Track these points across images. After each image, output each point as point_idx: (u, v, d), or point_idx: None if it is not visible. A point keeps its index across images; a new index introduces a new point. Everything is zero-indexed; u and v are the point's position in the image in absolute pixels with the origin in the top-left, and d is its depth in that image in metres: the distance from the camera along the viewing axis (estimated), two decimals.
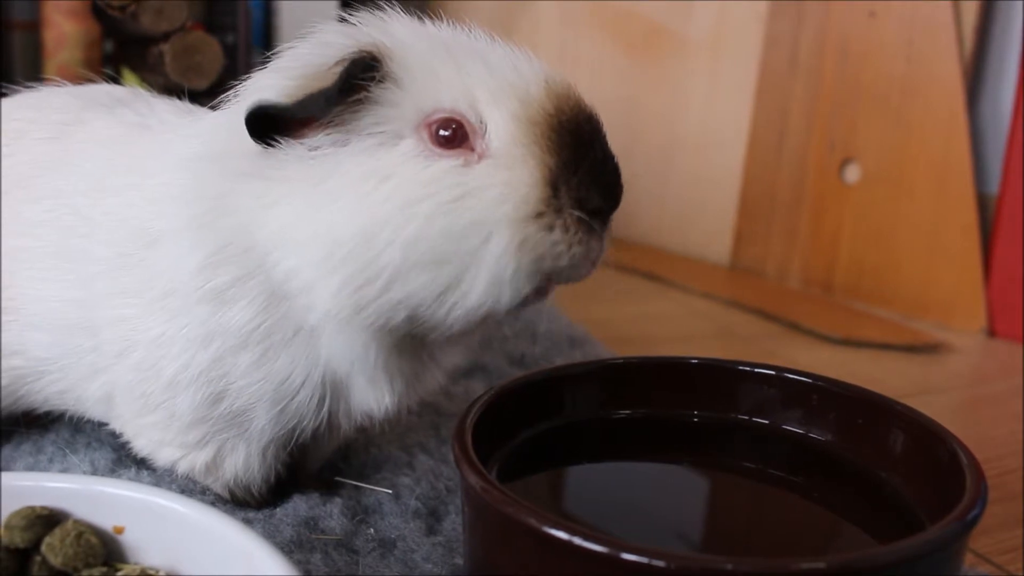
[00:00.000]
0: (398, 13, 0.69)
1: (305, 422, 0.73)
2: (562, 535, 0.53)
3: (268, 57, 0.70)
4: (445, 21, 0.70)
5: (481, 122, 0.64)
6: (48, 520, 0.60)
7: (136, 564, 0.61)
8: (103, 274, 0.74)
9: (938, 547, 0.54)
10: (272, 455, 0.77)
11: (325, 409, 0.73)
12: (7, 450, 0.87)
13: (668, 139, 1.89)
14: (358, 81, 0.64)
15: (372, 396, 0.73)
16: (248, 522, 0.73)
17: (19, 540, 0.59)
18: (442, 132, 0.64)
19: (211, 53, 1.36)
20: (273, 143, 0.66)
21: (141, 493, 0.62)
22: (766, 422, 0.76)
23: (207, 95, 1.33)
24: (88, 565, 0.59)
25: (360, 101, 0.64)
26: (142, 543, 0.61)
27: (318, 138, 0.65)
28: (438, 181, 0.63)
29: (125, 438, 0.80)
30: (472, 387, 1.07)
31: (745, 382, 0.76)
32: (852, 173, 1.65)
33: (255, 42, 1.75)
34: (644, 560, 0.51)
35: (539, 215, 0.62)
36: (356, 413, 0.75)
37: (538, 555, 0.55)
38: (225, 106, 0.72)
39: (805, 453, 0.74)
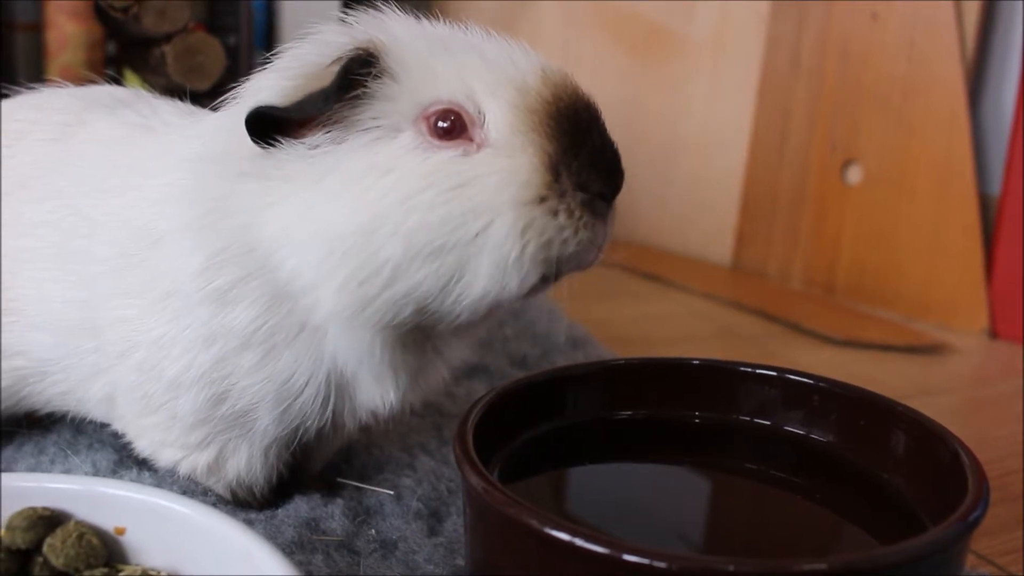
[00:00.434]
0: (395, 12, 0.69)
1: (309, 422, 0.73)
2: (563, 536, 0.53)
3: (269, 58, 0.70)
4: (442, 20, 0.70)
5: (479, 112, 0.64)
6: (50, 521, 0.60)
7: (138, 565, 0.61)
8: (105, 275, 0.74)
9: (940, 548, 0.54)
10: (275, 455, 0.77)
11: (329, 409, 0.73)
12: (9, 451, 0.87)
13: (670, 139, 1.89)
14: (355, 78, 0.64)
15: (377, 392, 0.73)
16: (249, 523, 0.73)
17: (21, 541, 0.59)
18: (440, 124, 0.64)
19: (213, 54, 1.36)
20: (273, 143, 0.66)
21: (143, 494, 0.62)
22: (767, 423, 0.76)
23: (209, 96, 1.33)
24: (90, 566, 0.59)
25: (358, 97, 0.65)
26: (144, 544, 0.61)
27: (317, 136, 0.65)
28: (438, 172, 0.63)
29: (127, 439, 0.80)
30: (474, 388, 1.07)
31: (746, 383, 0.76)
32: (854, 174, 1.65)
33: (257, 43, 1.75)
34: (645, 561, 0.51)
35: (542, 199, 0.62)
36: (361, 411, 0.75)
37: (539, 556, 0.55)
38: (226, 107, 0.72)
39: (806, 454, 0.74)
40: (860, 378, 0.76)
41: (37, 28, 1.44)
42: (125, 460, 0.85)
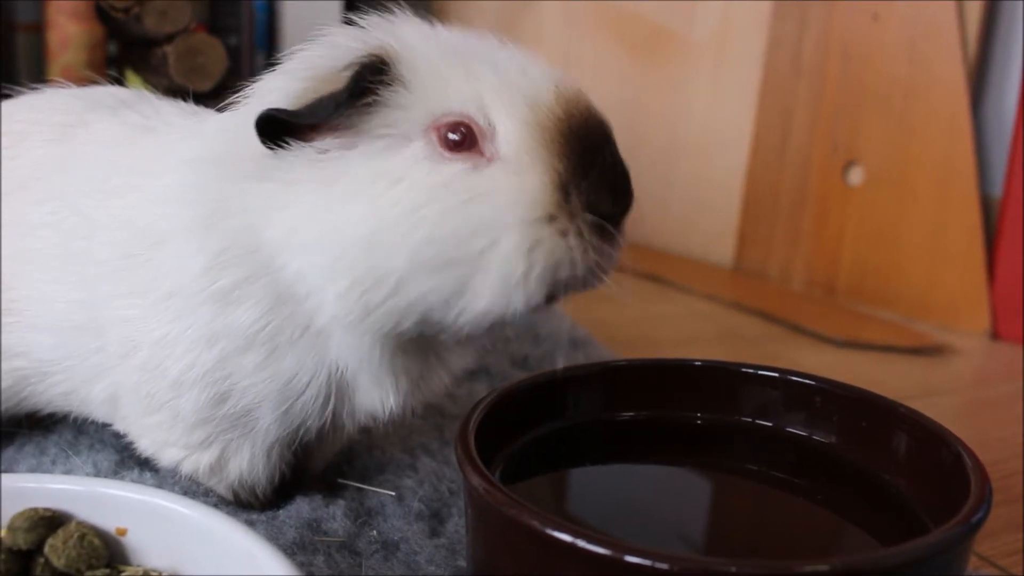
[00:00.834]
0: (406, 15, 0.69)
1: (309, 422, 0.73)
2: (565, 537, 0.53)
3: (274, 60, 0.70)
4: (452, 24, 0.70)
5: (490, 125, 0.63)
6: (51, 522, 0.60)
7: (139, 566, 0.61)
8: (108, 275, 0.74)
9: (942, 550, 0.54)
10: (277, 455, 0.77)
11: (330, 409, 0.73)
12: (10, 452, 0.87)
13: (671, 141, 1.89)
14: (367, 84, 0.64)
15: (377, 396, 0.73)
16: (251, 524, 0.73)
17: (22, 542, 0.59)
18: (451, 135, 0.63)
19: (214, 55, 1.36)
20: (282, 145, 0.66)
21: (144, 495, 0.62)
22: (769, 424, 0.76)
23: (211, 97, 1.33)
24: (91, 567, 0.59)
25: (369, 104, 0.64)
26: (145, 545, 0.61)
27: (327, 141, 0.65)
28: (447, 185, 0.62)
29: (129, 438, 0.80)
30: (475, 389, 1.07)
31: (748, 384, 0.76)
32: (855, 175, 1.65)
33: (258, 44, 1.75)
34: (647, 562, 0.51)
35: (551, 219, 0.61)
36: (360, 413, 0.75)
37: (541, 557, 0.55)
38: (232, 108, 0.72)
39: (808, 455, 0.73)
40: (862, 379, 0.76)
41: (38, 28, 1.44)
42: (126, 461, 0.85)
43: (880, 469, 0.70)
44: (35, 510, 0.61)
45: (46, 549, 0.59)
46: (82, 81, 0.89)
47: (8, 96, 0.88)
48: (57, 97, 0.86)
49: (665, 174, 1.91)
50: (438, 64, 0.65)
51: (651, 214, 1.92)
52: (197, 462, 0.77)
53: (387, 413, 0.74)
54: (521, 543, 0.56)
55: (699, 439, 0.77)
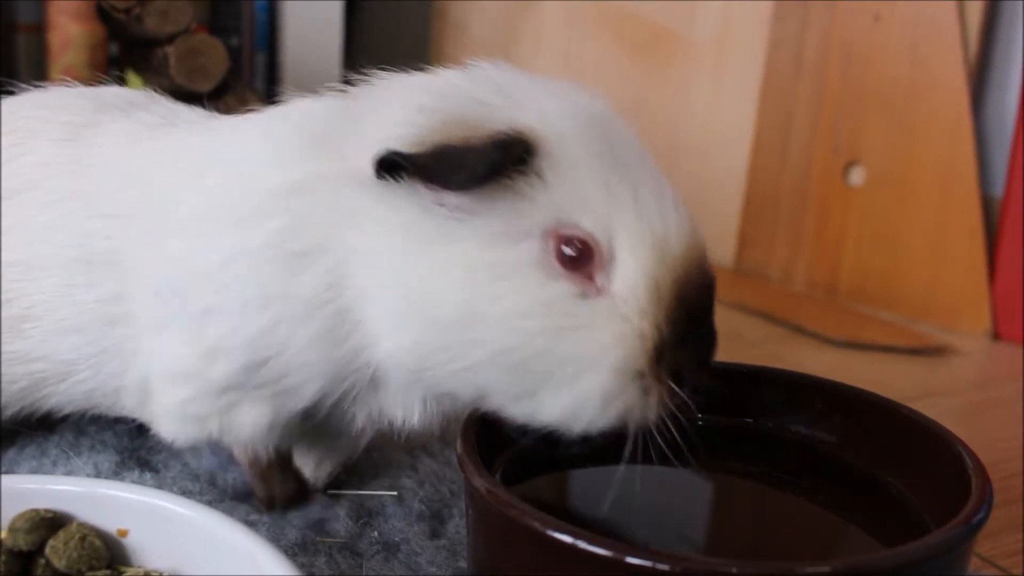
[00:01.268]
0: (553, 89, 0.66)
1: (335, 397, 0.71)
2: (566, 538, 0.53)
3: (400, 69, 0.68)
4: (603, 102, 0.67)
5: (612, 256, 0.61)
6: (52, 523, 0.60)
7: (140, 567, 0.61)
8: (140, 265, 0.73)
9: (943, 551, 0.54)
10: (293, 424, 0.74)
11: (356, 400, 0.72)
12: (11, 453, 0.87)
13: (672, 142, 1.89)
14: (506, 165, 0.61)
15: (400, 415, 0.72)
16: (252, 524, 0.73)
17: (23, 543, 0.59)
18: (567, 249, 0.61)
19: (215, 55, 1.36)
20: (396, 179, 0.63)
21: (145, 496, 0.62)
22: (770, 425, 0.76)
23: (211, 97, 1.33)
24: (92, 568, 0.59)
25: (498, 183, 0.61)
26: (146, 546, 0.61)
27: (447, 196, 0.62)
28: (552, 305, 0.61)
29: (154, 410, 0.76)
30: None
31: (749, 385, 0.76)
32: (856, 176, 1.65)
33: (259, 44, 1.75)
34: (648, 564, 0.51)
35: (640, 375, 0.61)
36: (383, 417, 0.73)
37: (542, 559, 0.55)
38: (330, 96, 0.70)
39: (810, 456, 0.73)
40: (863, 380, 0.76)
41: (39, 29, 1.44)
42: (127, 462, 0.85)
43: (881, 470, 0.70)
44: (36, 511, 0.61)
45: (47, 550, 0.59)
46: (86, 81, 0.88)
47: (11, 93, 0.87)
48: (64, 96, 0.84)
49: (666, 175, 1.90)
50: (580, 169, 0.62)
51: None
52: (223, 423, 0.73)
53: (406, 427, 0.73)
54: (522, 544, 0.56)
55: (700, 440, 0.77)
